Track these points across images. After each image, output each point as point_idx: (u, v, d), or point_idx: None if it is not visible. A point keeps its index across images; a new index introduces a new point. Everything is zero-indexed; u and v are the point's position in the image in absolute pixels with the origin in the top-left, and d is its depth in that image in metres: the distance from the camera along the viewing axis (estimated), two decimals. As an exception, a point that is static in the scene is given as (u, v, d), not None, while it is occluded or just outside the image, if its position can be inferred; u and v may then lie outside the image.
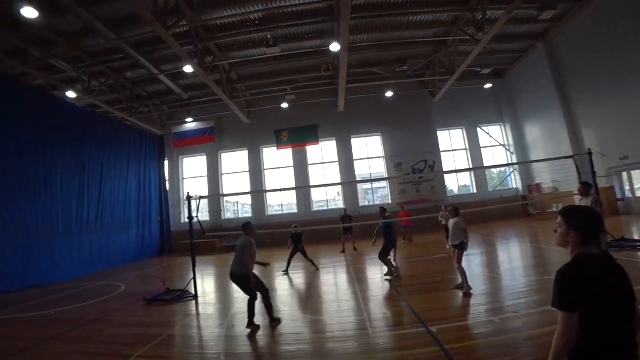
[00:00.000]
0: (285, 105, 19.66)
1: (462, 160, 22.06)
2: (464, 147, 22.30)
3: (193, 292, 8.07)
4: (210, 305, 7.48)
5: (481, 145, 22.13)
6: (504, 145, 22.54)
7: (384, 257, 8.44)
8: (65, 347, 5.35)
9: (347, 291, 7.65)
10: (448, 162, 21.76)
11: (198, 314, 6.74)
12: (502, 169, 22.96)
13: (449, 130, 22.24)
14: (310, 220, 18.94)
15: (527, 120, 21.02)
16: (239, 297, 7.85)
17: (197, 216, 8.24)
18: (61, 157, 13.64)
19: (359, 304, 6.40)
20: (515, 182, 22.35)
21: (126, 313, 7.11)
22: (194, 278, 8.09)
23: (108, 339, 5.50)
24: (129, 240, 17.19)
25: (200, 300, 7.85)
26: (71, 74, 15.26)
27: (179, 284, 9.79)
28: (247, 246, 5.62)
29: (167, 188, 21.61)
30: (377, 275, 8.89)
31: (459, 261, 6.52)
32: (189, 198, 8.29)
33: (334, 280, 9.24)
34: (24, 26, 11.81)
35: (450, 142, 22.35)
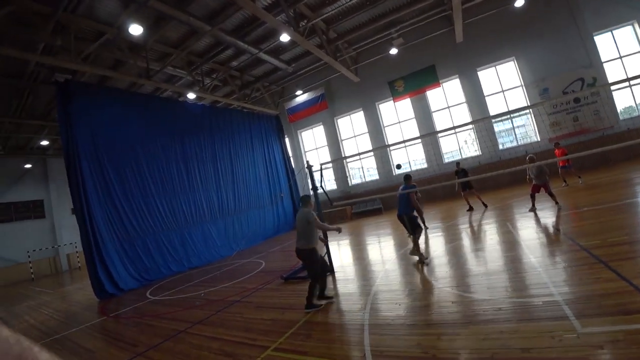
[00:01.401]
0: (394, 51, 17.57)
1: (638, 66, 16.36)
2: (638, 49, 16.42)
3: (329, 263, 7.67)
4: (349, 281, 6.86)
5: None
6: None
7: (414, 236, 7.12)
8: (211, 330, 5.43)
9: (507, 257, 6.02)
10: (617, 74, 16.35)
11: (336, 294, 6.15)
12: None
13: (611, 30, 16.38)
14: (439, 176, 17.08)
15: None
16: (378, 270, 7.09)
17: (321, 186, 7.65)
18: (196, 153, 15.31)
19: (540, 275, 4.80)
20: None
21: (265, 293, 7.06)
22: (328, 251, 7.61)
23: (247, 325, 5.34)
24: (265, 218, 18.46)
25: (337, 275, 7.37)
26: (187, 78, 16.45)
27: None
28: (310, 218, 5.53)
29: (292, 164, 22.36)
30: (536, 235, 6.95)
31: None
32: (309, 168, 7.73)
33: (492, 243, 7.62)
34: (138, 47, 13.39)
35: (617, 46, 16.59)
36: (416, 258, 7.02)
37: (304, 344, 4.24)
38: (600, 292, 3.85)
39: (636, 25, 16.14)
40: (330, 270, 7.48)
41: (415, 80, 18.53)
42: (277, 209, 19.78)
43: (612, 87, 16.29)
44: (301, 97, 21.23)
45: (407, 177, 8.15)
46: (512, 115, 17.80)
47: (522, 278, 4.90)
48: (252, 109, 20.39)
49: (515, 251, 6.25)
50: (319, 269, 5.50)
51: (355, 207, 19.74)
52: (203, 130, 16.04)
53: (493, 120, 17.46)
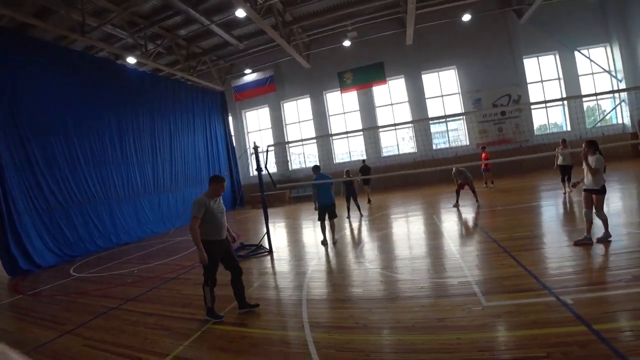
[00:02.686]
0: (347, 43, 17.93)
1: (555, 91, 18.68)
2: (556, 77, 18.80)
3: (267, 247, 7.83)
4: (286, 261, 7.15)
5: (579, 73, 18.40)
6: (609, 72, 18.42)
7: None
8: (146, 307, 5.32)
9: (431, 245, 6.74)
10: (537, 95, 18.68)
11: (274, 272, 6.39)
12: (605, 99, 19.10)
13: (537, 56, 18.71)
14: (380, 167, 17.99)
15: (644, 32, 16.68)
16: (313, 252, 7.43)
17: (266, 167, 7.75)
18: (132, 123, 14.27)
19: (457, 260, 5.53)
20: (621, 116, 18.53)
21: (201, 271, 7.00)
22: (268, 232, 7.77)
23: (185, 301, 5.35)
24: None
25: (275, 255, 7.58)
26: (128, 40, 15.24)
27: (252, 238, 9.73)
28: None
29: (234, 143, 21.89)
30: (457, 227, 7.83)
31: (601, 207, 5.41)
32: (256, 149, 7.77)
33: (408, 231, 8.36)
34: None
35: (540, 71, 18.91)
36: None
37: (245, 318, 4.43)
38: (503, 275, 4.76)
39: (557, 56, 18.57)
40: (270, 250, 7.69)
41: (363, 75, 19.13)
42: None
43: (532, 107, 18.61)
44: (249, 76, 20.76)
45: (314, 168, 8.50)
46: (447, 120, 19.35)
47: (442, 262, 5.62)
48: (196, 83, 19.51)
49: (438, 240, 7.00)
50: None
51: (293, 191, 20.03)
52: (141, 99, 14.91)
53: (430, 122, 18.94)
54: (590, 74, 18.51)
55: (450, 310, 3.95)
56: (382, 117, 19.77)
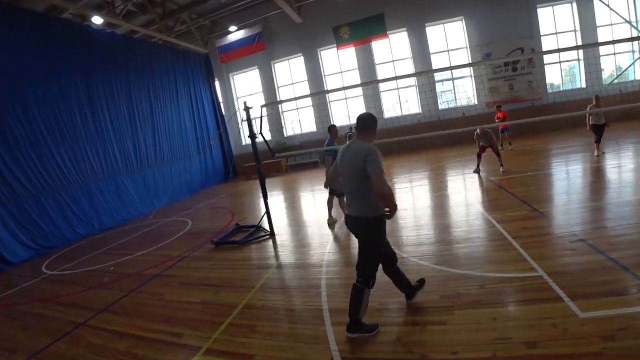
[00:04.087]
0: (344, -10, 15.98)
1: (569, 43, 17.16)
2: (572, 28, 17.25)
3: (268, 228, 6.62)
4: (292, 247, 5.93)
5: (597, 24, 16.84)
6: (629, 22, 16.91)
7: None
8: (119, 322, 4.11)
9: (467, 223, 5.55)
10: (550, 48, 17.13)
11: (279, 265, 5.18)
12: (623, 53, 17.74)
13: (552, 5, 16.98)
14: (382, 130, 16.58)
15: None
16: (323, 233, 6.24)
17: (261, 133, 6.36)
18: (105, 93, 12.42)
19: (511, 246, 4.36)
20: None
21: (192, 263, 5.86)
22: (267, 212, 6.52)
23: (169, 312, 4.14)
24: (192, 170, 16.45)
25: (278, 239, 6.37)
26: None
27: (249, 216, 8.53)
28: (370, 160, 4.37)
29: (222, 110, 20.13)
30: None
31: None
32: (247, 110, 6.33)
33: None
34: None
35: (554, 22, 17.26)
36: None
37: (248, 341, 3.23)
38: (582, 267, 3.49)
39: (574, 4, 16.78)
40: (271, 233, 6.48)
41: (362, 29, 17.23)
42: (205, 158, 17.81)
43: (545, 61, 17.11)
44: (235, 34, 18.64)
45: (330, 127, 6.82)
46: (454, 77, 17.83)
47: (492, 247, 4.39)
48: (176, 45, 17.46)
49: (473, 216, 5.82)
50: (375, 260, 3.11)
51: (290, 159, 18.68)
52: (115, 66, 12.97)
53: (435, 79, 17.39)
54: (609, 24, 17.00)
55: (535, 326, 2.82)
56: (383, 75, 18.06)
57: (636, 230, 4.40)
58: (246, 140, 20.74)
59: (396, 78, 7.85)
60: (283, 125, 19.82)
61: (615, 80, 17.22)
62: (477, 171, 9.45)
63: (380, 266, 3.19)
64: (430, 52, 17.38)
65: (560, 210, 5.59)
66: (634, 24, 16.84)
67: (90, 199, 11.07)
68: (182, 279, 5.06)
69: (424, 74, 9.51)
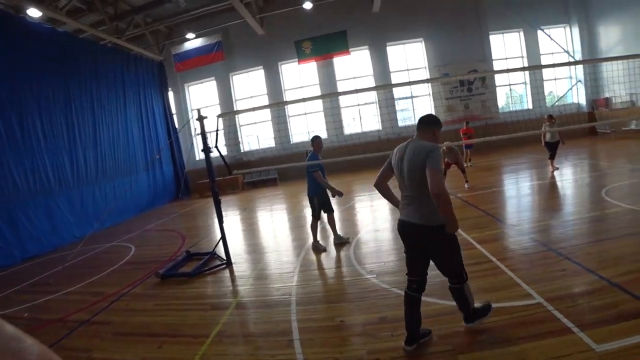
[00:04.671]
0: (307, 5, 15.71)
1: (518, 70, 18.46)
2: (520, 55, 18.60)
3: (224, 256, 5.77)
4: (255, 279, 5.04)
5: (541, 52, 18.24)
6: (567, 52, 18.54)
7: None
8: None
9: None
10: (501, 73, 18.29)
11: (239, 303, 4.30)
12: (562, 79, 19.29)
13: (503, 33, 18.24)
14: (343, 147, 16.33)
15: (604, 18, 16.72)
16: (288, 259, 5.56)
17: (216, 147, 5.58)
18: (36, 97, 10.56)
19: (500, 269, 3.97)
20: (576, 96, 18.87)
21: (131, 303, 4.75)
22: (223, 237, 5.67)
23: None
24: (139, 187, 14.73)
25: (236, 269, 5.52)
26: None
27: (202, 241, 7.61)
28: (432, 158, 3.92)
29: (176, 123, 18.85)
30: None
31: None
32: (201, 119, 5.58)
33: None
34: None
35: (505, 48, 18.49)
36: (341, 245, 5.78)
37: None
38: (578, 290, 3.23)
39: (521, 33, 18.23)
40: (228, 262, 5.66)
41: (324, 44, 17.11)
42: (155, 174, 16.33)
43: (497, 84, 18.14)
44: (193, 42, 17.75)
45: (314, 139, 5.87)
46: (413, 95, 18.18)
47: (481, 271, 4.00)
48: (127, 49, 16.23)
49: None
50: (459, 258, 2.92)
51: (247, 176, 17.80)
52: (50, 66, 11.23)
53: (395, 97, 17.68)
54: (550, 53, 18.51)
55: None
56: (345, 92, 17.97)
57: (615, 245, 4.38)
58: (200, 155, 19.57)
59: (356, 92, 7.77)
60: (240, 139, 18.97)
61: (557, 103, 18.59)
62: None
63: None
64: (391, 70, 17.65)
65: (537, 227, 5.45)
66: (571, 53, 18.40)
67: (11, 221, 9.17)
68: (118, 327, 4.06)
69: (384, 87, 9.43)
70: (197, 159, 19.26)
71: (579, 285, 3.52)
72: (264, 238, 7.51)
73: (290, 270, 5.08)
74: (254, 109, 7.92)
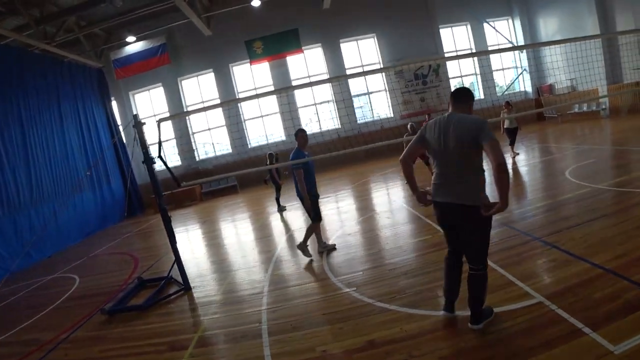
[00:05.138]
0: (256, 2, 15.05)
1: (467, 62, 19.12)
2: (468, 47, 19.20)
3: (181, 280, 5.02)
4: (219, 305, 4.35)
5: (488, 44, 18.93)
6: (511, 42, 19.44)
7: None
8: None
9: (425, 244, 4.86)
10: (452, 65, 18.69)
11: (202, 339, 3.63)
12: (509, 69, 20.17)
13: (452, 27, 18.74)
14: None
15: (542, 10, 17.57)
16: (256, 278, 4.95)
17: (160, 157, 4.79)
18: None
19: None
20: (523, 84, 19.76)
21: (71, 351, 3.89)
22: (177, 259, 4.95)
23: None
24: (84, 207, 13.26)
25: (196, 295, 4.80)
26: None
27: (158, 264, 6.76)
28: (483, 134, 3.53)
29: (122, 134, 17.34)
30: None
31: None
32: (139, 125, 4.84)
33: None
34: None
35: (454, 42, 18.98)
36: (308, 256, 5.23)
37: None
38: (574, 281, 2.89)
39: (469, 27, 18.86)
40: (186, 286, 4.95)
41: (276, 43, 16.53)
42: (102, 191, 14.83)
43: (449, 76, 18.45)
44: (134, 46, 16.47)
45: (297, 132, 5.29)
46: (369, 91, 18.07)
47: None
48: (60, 56, 14.71)
49: (427, 233, 5.15)
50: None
51: (205, 185, 16.81)
52: None
53: (352, 94, 17.51)
54: (496, 44, 19.32)
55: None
56: (300, 92, 17.53)
57: (597, 227, 4.26)
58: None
59: (311, 85, 7.54)
60: (194, 147, 17.93)
61: (506, 92, 19.36)
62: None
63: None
64: (346, 67, 17.43)
65: (514, 216, 5.24)
66: (514, 43, 19.26)
67: None
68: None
69: (338, 79, 9.14)
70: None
71: (575, 276, 3.24)
72: (227, 253, 6.79)
73: (259, 290, 4.45)
74: (201, 110, 7.08)
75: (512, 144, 9.86)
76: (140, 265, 6.98)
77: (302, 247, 5.17)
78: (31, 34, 13.55)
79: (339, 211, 8.24)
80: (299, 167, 4.91)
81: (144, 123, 4.79)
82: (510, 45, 19.23)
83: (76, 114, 14.46)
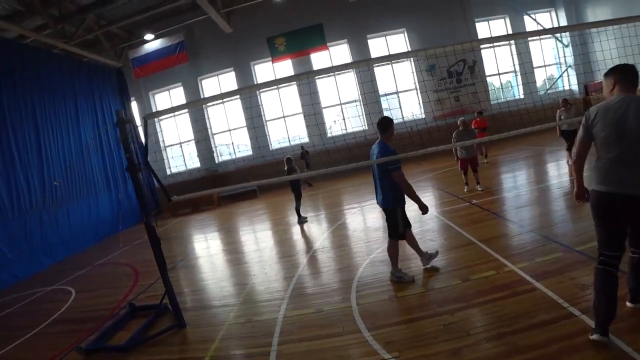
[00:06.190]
0: (278, -3, 14.25)
1: (506, 58, 17.68)
2: (507, 42, 17.76)
3: (173, 312, 4.06)
4: (218, 351, 3.44)
5: (529, 39, 17.32)
6: (554, 37, 17.83)
7: None
8: None
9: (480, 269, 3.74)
10: (489, 61, 17.27)
11: None
12: (552, 65, 18.53)
13: (488, 20, 17.31)
14: (325, 150, 14.80)
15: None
16: (262, 320, 3.93)
17: (146, 163, 4.07)
18: None
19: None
20: (568, 82, 18.02)
21: None
22: (169, 291, 4.00)
23: None
24: (99, 210, 12.83)
25: (192, 334, 3.87)
26: None
27: (158, 280, 5.88)
28: None
29: (141, 137, 16.81)
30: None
31: None
32: (122, 123, 3.94)
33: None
34: None
35: (491, 36, 17.49)
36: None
37: None
38: None
39: (507, 19, 17.38)
40: (182, 325, 4.03)
41: (299, 40, 15.62)
42: (118, 193, 14.34)
43: (486, 73, 17.04)
44: (152, 44, 15.96)
45: (382, 122, 4.12)
46: (398, 90, 16.89)
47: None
48: (79, 55, 14.37)
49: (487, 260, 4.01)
50: None
51: (223, 189, 16.08)
52: None
53: (380, 95, 16.41)
54: (538, 39, 17.81)
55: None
56: (324, 90, 16.58)
57: None
58: (171, 169, 17.80)
59: (333, 70, 6.54)
60: (214, 148, 17.28)
61: (549, 90, 17.76)
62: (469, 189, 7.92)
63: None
64: (374, 65, 16.25)
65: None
66: (559, 38, 17.60)
67: None
68: None
69: (363, 65, 8.05)
70: (168, 173, 17.53)
71: None
72: (235, 276, 5.84)
73: (265, 341, 3.40)
74: (202, 101, 6.20)
75: (569, 148, 8.47)
76: (140, 282, 6.17)
77: (397, 274, 4.09)
78: (50, 34, 13.24)
79: (366, 229, 7.08)
80: (397, 166, 3.85)
81: (129, 120, 3.90)
82: (554, 41, 17.73)
83: (93, 114, 14.05)
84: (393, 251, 4.09)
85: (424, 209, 3.92)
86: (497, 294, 3.26)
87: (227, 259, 6.96)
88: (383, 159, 3.78)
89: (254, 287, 5.02)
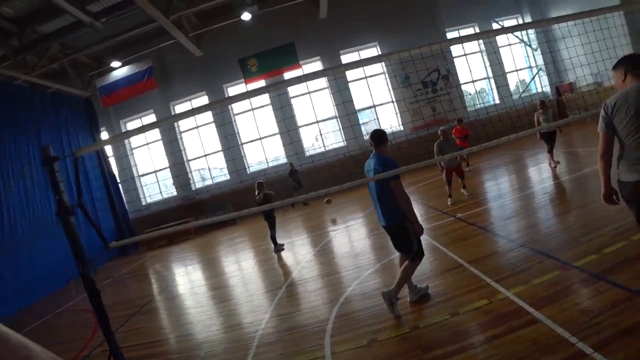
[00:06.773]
0: (246, 16, 13.88)
1: (478, 64, 17.89)
2: (478, 50, 18.02)
3: None
4: None
5: (499, 45, 17.56)
6: (523, 41, 18.22)
7: None
8: None
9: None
10: (463, 69, 17.37)
11: None
12: (523, 70, 18.82)
13: (459, 29, 17.48)
14: (304, 169, 14.37)
15: (555, 4, 16.16)
16: None
17: (80, 204, 3.48)
18: None
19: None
20: (540, 85, 18.30)
21: None
22: (114, 354, 3.35)
23: None
24: (67, 247, 11.88)
25: None
26: None
27: (118, 330, 5.25)
28: None
29: (112, 168, 16.09)
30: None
31: None
32: (49, 160, 3.40)
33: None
34: None
35: (462, 45, 17.62)
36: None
37: None
38: None
39: (476, 28, 17.59)
40: None
41: (271, 60, 15.33)
42: (89, 228, 13.46)
43: (460, 81, 17.09)
44: (120, 71, 15.41)
45: (375, 134, 3.92)
46: (374, 104, 16.74)
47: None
48: (43, 86, 13.78)
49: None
50: None
51: (200, 217, 15.36)
52: None
53: (357, 110, 16.27)
54: (507, 45, 18.20)
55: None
56: (301, 110, 16.32)
57: None
58: (146, 199, 17.08)
59: (306, 79, 6.11)
60: (190, 175, 16.66)
61: (522, 94, 17.94)
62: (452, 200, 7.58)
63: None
64: (348, 79, 16.10)
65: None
66: (527, 42, 17.98)
67: None
68: None
69: (333, 69, 7.60)
70: (144, 203, 16.81)
71: None
72: (202, 321, 5.18)
73: None
74: (189, 113, 5.68)
75: (551, 150, 8.28)
76: (99, 333, 5.48)
77: (393, 297, 3.51)
78: (10, 65, 12.63)
79: (345, 255, 6.45)
80: (397, 178, 3.48)
81: (56, 157, 3.38)
82: (521, 42, 18.05)
83: (60, 147, 13.32)
84: (409, 274, 3.62)
85: (419, 229, 3.48)
86: (492, 331, 2.80)
87: (194, 302, 6.29)
88: (386, 174, 3.38)
89: (219, 335, 4.42)
